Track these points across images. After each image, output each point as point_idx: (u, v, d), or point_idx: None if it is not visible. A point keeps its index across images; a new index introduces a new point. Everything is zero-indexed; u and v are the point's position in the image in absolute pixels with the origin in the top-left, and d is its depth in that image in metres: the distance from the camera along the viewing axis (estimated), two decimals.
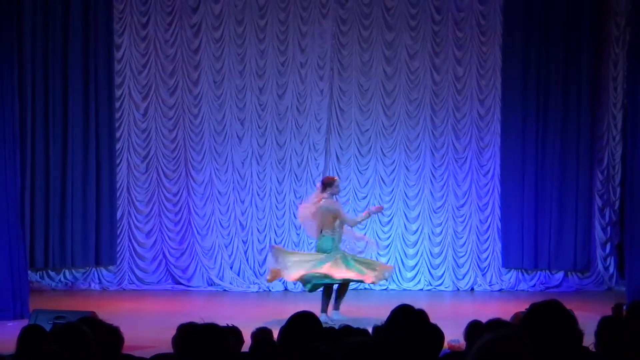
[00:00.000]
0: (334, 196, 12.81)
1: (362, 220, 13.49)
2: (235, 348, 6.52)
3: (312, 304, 13.72)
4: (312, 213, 12.75)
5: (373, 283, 13.36)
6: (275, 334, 5.58)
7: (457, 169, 16.48)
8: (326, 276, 12.34)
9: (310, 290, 12.68)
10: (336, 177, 13.27)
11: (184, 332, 4.65)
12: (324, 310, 12.42)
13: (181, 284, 16.18)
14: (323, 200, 12.64)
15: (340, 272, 12.36)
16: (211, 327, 4.61)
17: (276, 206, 16.35)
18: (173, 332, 5.34)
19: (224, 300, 15.13)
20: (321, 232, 12.70)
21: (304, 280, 12.55)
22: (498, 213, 16.44)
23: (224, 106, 16.29)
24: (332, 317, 12.19)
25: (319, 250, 12.71)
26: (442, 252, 16.45)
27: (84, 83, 15.71)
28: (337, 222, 12.63)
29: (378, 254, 14.76)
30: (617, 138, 16.24)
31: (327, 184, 12.80)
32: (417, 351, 4.84)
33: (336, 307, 12.63)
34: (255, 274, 16.19)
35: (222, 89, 16.28)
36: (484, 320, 6.52)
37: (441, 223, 16.49)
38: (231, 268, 16.25)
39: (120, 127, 16.14)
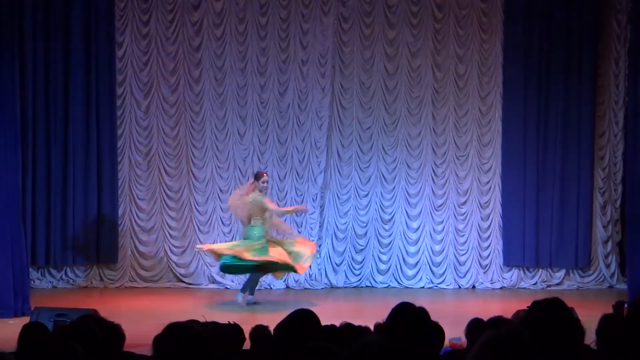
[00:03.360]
0: (264, 189, 14.15)
1: (287, 212, 15.10)
2: (237, 345, 6.52)
3: (314, 302, 13.76)
4: (243, 203, 14.15)
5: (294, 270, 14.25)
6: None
7: (459, 166, 16.48)
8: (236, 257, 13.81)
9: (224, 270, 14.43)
10: (265, 173, 14.48)
11: (162, 336, 4.65)
12: (245, 290, 14.23)
13: (182, 281, 16.18)
14: (252, 193, 14.02)
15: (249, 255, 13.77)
16: (189, 330, 4.61)
17: (277, 204, 16.33)
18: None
19: (226, 298, 15.12)
20: (250, 221, 14.07)
21: (216, 255, 14.26)
22: (499, 211, 16.44)
23: (226, 103, 16.29)
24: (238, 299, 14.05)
25: (247, 237, 14.09)
26: (443, 249, 16.45)
27: (85, 81, 15.71)
28: (267, 212, 14.07)
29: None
30: (619, 136, 16.24)
31: (256, 177, 14.22)
32: (418, 349, 4.83)
33: (251, 293, 14.24)
34: None
35: (224, 86, 16.28)
36: (485, 318, 6.52)
37: (442, 221, 16.50)
38: None
39: (121, 124, 16.13)
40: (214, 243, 15.21)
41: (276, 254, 13.91)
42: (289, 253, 13.99)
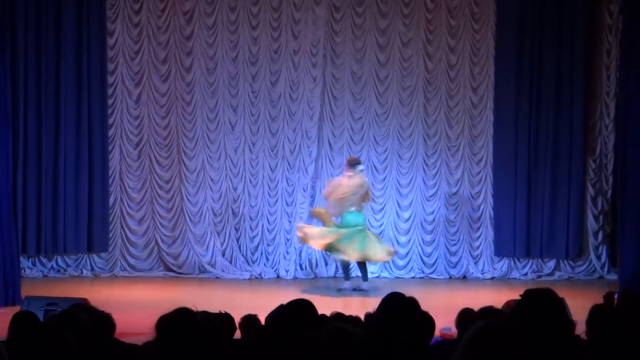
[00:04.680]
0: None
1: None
2: (228, 334, 6.53)
3: (304, 291, 13.77)
4: (357, 187, 14.41)
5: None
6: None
7: (450, 157, 16.48)
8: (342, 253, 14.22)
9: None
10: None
11: (163, 319, 4.65)
12: (348, 278, 14.73)
13: (173, 271, 16.17)
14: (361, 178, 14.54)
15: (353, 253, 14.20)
16: (188, 314, 4.61)
17: (268, 193, 16.36)
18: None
19: (216, 288, 15.13)
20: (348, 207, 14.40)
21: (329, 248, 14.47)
22: (490, 201, 16.45)
23: (217, 93, 16.27)
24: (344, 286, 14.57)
25: (348, 224, 14.36)
26: (434, 240, 16.45)
27: (77, 69, 15.67)
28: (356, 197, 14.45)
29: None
30: (610, 127, 16.25)
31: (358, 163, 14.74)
32: (408, 339, 4.84)
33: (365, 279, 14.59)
34: (247, 261, 16.20)
35: (215, 76, 16.26)
36: (475, 308, 6.54)
37: (433, 211, 16.50)
38: (223, 255, 16.24)
39: (112, 114, 16.10)
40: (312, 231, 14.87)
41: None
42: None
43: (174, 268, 16.18)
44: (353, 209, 14.40)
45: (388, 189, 16.48)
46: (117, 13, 16.06)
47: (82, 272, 15.97)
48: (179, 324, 4.52)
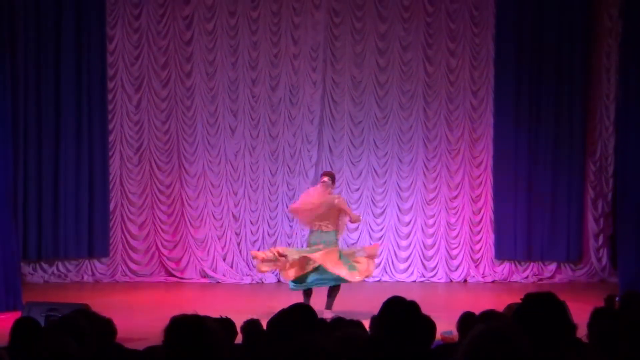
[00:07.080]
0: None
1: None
2: (229, 339, 6.52)
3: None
4: (321, 204, 12.29)
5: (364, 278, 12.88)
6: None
7: (450, 160, 16.49)
8: (319, 268, 12.08)
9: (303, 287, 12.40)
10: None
11: (174, 323, 4.63)
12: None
13: (174, 275, 16.17)
14: (333, 194, 12.58)
15: (333, 265, 12.13)
16: (200, 320, 4.60)
17: (269, 198, 16.36)
18: (166, 323, 5.32)
19: (217, 292, 15.13)
20: (320, 225, 12.37)
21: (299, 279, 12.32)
22: (491, 204, 16.45)
23: (217, 98, 16.28)
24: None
25: (320, 242, 12.31)
26: (435, 243, 16.46)
27: (77, 75, 15.69)
28: (341, 217, 12.49)
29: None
30: (610, 129, 16.25)
31: (334, 178, 12.80)
32: (409, 343, 4.83)
33: (328, 307, 12.27)
34: (248, 266, 16.18)
35: (215, 80, 16.27)
36: (477, 311, 6.53)
37: (434, 215, 16.51)
38: (224, 260, 16.25)
39: (112, 119, 16.11)
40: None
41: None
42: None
43: (175, 273, 16.18)
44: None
45: (388, 192, 16.48)
46: (117, 18, 16.07)
47: (83, 278, 15.98)
48: (190, 331, 4.51)
